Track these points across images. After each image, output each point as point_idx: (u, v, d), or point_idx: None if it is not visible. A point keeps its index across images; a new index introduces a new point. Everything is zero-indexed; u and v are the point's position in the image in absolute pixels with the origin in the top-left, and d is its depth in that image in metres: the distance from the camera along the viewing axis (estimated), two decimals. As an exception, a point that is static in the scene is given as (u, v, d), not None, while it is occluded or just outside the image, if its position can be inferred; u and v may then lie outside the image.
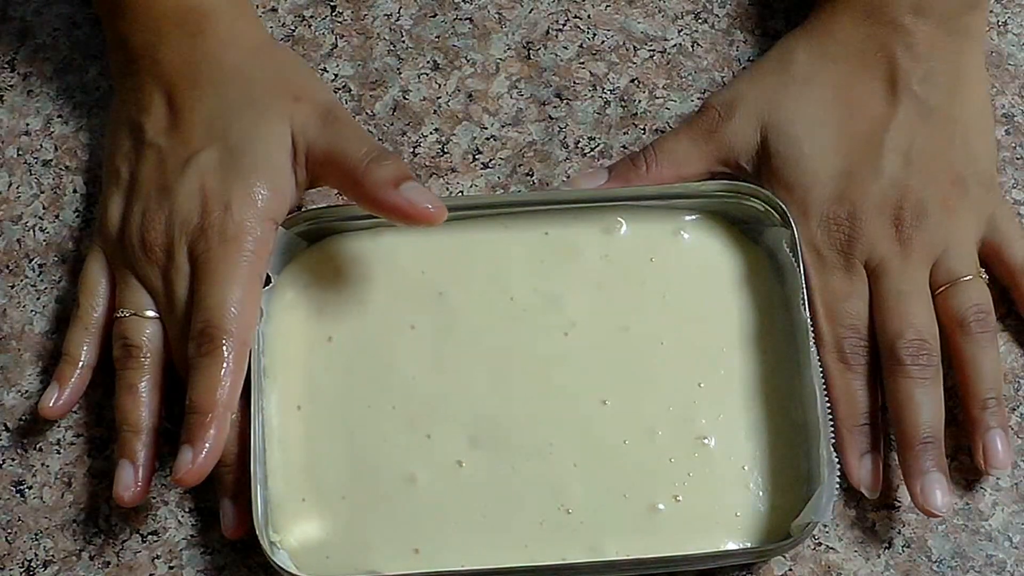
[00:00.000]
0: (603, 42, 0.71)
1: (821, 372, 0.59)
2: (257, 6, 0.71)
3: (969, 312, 0.61)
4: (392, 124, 0.69)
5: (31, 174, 0.69)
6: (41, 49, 0.72)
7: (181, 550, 0.61)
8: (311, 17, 0.72)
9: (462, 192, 0.67)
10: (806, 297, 0.60)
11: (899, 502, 0.61)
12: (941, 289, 0.62)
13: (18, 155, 0.69)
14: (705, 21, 0.71)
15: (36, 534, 0.62)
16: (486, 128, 0.69)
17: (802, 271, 0.61)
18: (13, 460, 0.63)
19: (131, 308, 0.61)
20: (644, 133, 0.69)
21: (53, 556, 0.61)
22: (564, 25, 0.71)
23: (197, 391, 0.58)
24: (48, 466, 0.63)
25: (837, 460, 0.57)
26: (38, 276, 0.67)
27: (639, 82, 0.70)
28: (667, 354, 0.62)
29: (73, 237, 0.67)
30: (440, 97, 0.70)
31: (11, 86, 0.71)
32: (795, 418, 0.60)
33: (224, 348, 0.58)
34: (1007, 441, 0.60)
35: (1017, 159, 0.68)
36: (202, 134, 0.62)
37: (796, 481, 0.59)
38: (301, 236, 0.63)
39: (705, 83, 0.70)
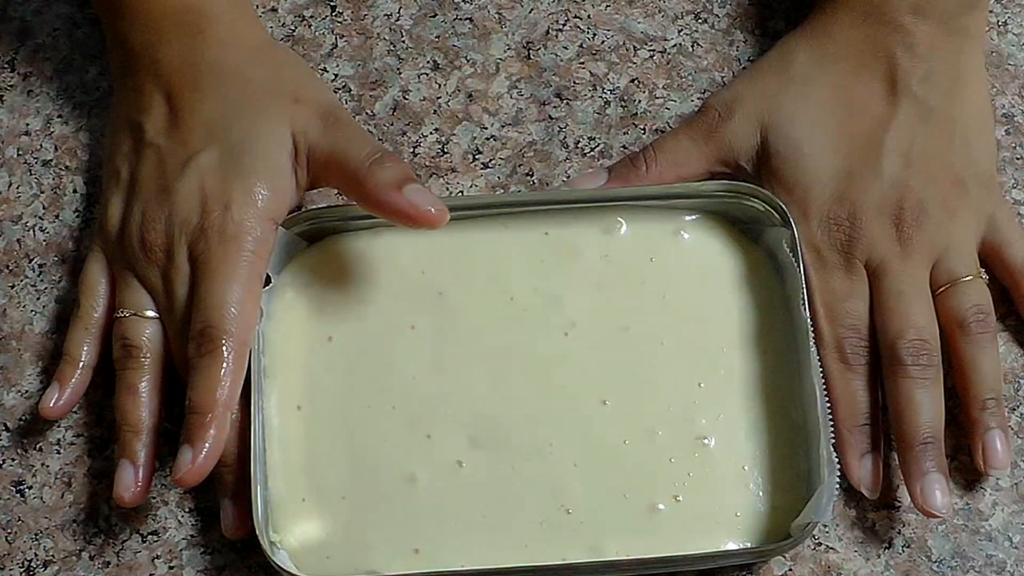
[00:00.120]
0: (603, 42, 0.71)
1: (821, 372, 0.59)
2: (257, 6, 0.71)
3: (969, 313, 0.61)
4: (392, 124, 0.69)
5: (31, 174, 0.69)
6: (41, 49, 0.72)
7: (181, 550, 0.61)
8: (311, 17, 0.72)
9: (462, 192, 0.67)
10: (806, 297, 0.60)
11: (899, 502, 0.61)
12: (941, 289, 0.62)
13: (18, 155, 0.69)
14: (705, 21, 0.71)
15: (36, 534, 0.62)
16: (486, 128, 0.69)
17: (802, 271, 0.61)
18: (13, 460, 0.63)
19: (131, 308, 0.61)
20: (644, 133, 0.69)
21: (53, 556, 0.61)
22: (564, 25, 0.71)
23: (197, 391, 0.58)
24: (48, 466, 0.63)
25: (837, 460, 0.57)
26: (38, 276, 0.67)
27: (639, 82, 0.70)
28: (667, 354, 0.62)
29: (73, 237, 0.67)
30: (440, 97, 0.70)
31: (11, 86, 0.71)
32: (795, 418, 0.60)
33: (224, 348, 0.58)
34: (1006, 442, 0.60)
35: (1017, 159, 0.68)
36: (202, 134, 0.62)
37: (796, 481, 0.59)
38: (301, 236, 0.63)
39: (705, 83, 0.70)
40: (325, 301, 0.63)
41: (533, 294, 0.63)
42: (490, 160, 0.68)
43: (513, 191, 0.68)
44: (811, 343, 0.59)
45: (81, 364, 0.62)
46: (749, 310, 0.63)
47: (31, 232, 0.67)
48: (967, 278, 0.62)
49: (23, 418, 0.64)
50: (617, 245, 0.64)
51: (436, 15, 0.72)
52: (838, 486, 0.57)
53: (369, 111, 0.69)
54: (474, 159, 0.68)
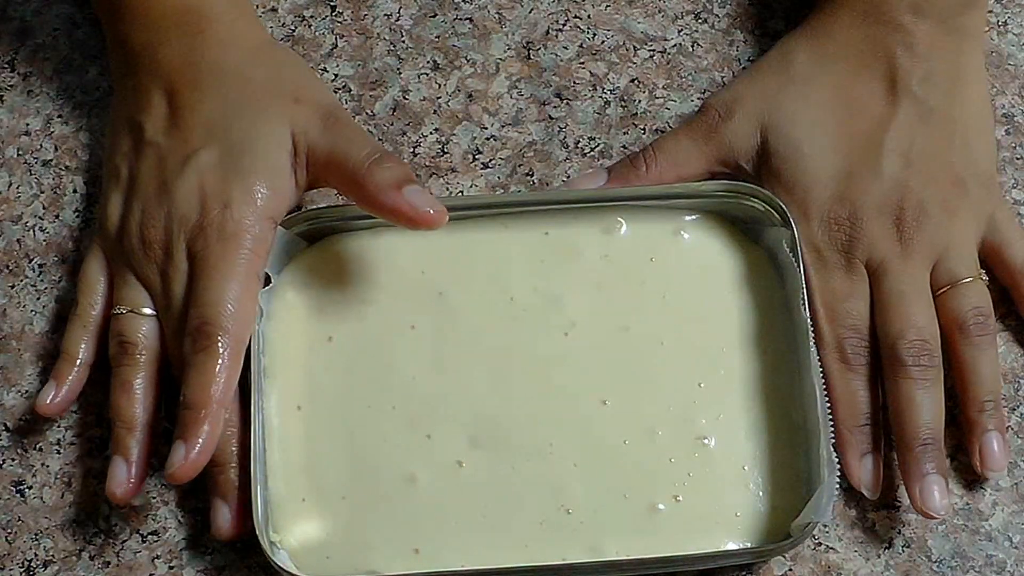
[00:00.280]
0: (603, 42, 0.71)
1: (821, 372, 0.59)
2: (257, 6, 0.71)
3: (969, 315, 0.61)
4: (392, 124, 0.69)
5: (31, 174, 0.69)
6: (41, 49, 0.72)
7: (181, 550, 0.61)
8: (311, 17, 0.72)
9: (462, 192, 0.67)
10: (806, 297, 0.60)
11: (899, 502, 0.61)
12: (941, 291, 0.62)
13: (18, 155, 0.69)
14: (705, 21, 0.71)
15: (36, 534, 0.62)
16: (486, 128, 0.69)
17: (802, 271, 0.61)
18: (13, 460, 0.63)
19: (128, 305, 0.61)
20: (644, 133, 0.69)
21: (53, 556, 0.61)
22: (564, 25, 0.71)
23: (191, 387, 0.58)
24: (48, 466, 0.63)
25: (837, 460, 0.57)
26: (38, 276, 0.67)
27: (639, 82, 0.70)
28: (667, 354, 0.62)
29: (73, 237, 0.67)
30: (440, 97, 0.70)
31: (11, 86, 0.71)
32: (795, 418, 0.60)
33: (219, 345, 0.58)
34: (1004, 443, 0.60)
35: (1017, 159, 0.68)
36: (202, 134, 0.62)
37: (796, 481, 0.59)
38: (301, 236, 0.63)
39: (705, 83, 0.70)
40: (325, 301, 0.63)
41: (533, 294, 0.63)
42: (490, 160, 0.68)
43: (513, 191, 0.68)
44: (811, 343, 0.59)
45: (78, 362, 0.62)
46: (749, 310, 0.63)
47: (31, 232, 0.67)
48: (967, 279, 0.62)
49: (23, 418, 0.64)
50: (617, 245, 0.64)
51: (436, 15, 0.72)
52: (838, 486, 0.57)
53: (369, 111, 0.69)
54: (474, 159, 0.68)
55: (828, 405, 0.59)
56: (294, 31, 0.71)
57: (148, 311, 0.61)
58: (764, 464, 0.60)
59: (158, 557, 0.61)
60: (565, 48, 0.71)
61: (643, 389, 0.61)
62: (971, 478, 0.62)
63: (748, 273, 0.63)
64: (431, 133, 0.69)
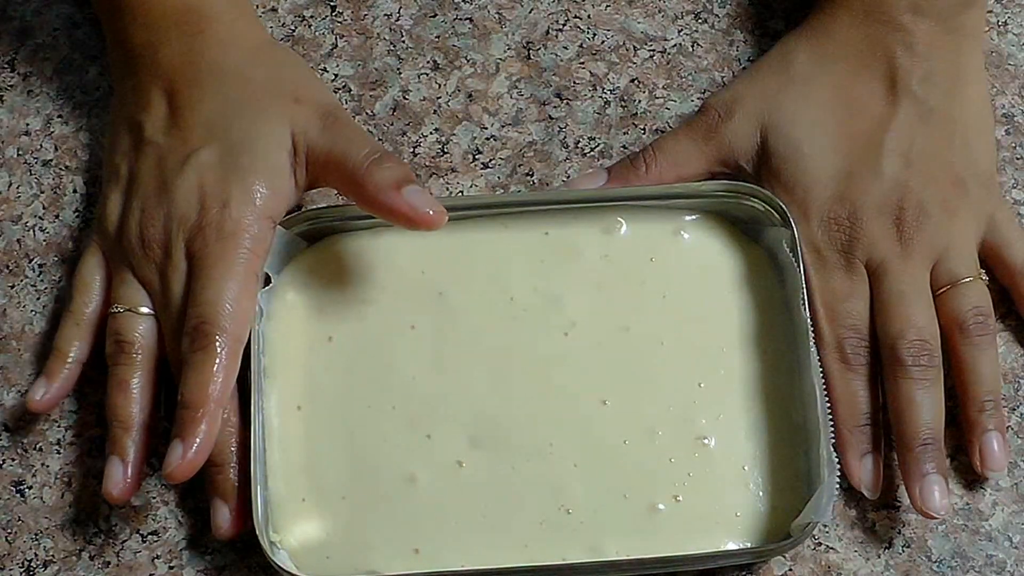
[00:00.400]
0: (603, 42, 0.71)
1: (821, 372, 0.59)
2: (257, 6, 0.71)
3: (968, 315, 0.61)
4: (392, 124, 0.69)
5: (31, 174, 0.69)
6: (41, 49, 0.72)
7: (181, 550, 0.61)
8: (311, 17, 0.72)
9: (462, 192, 0.67)
10: (806, 297, 0.60)
11: (899, 502, 0.61)
12: (941, 291, 0.62)
13: (18, 155, 0.69)
14: (705, 21, 0.71)
15: (36, 534, 0.62)
16: (486, 128, 0.69)
17: (802, 271, 0.61)
18: (13, 460, 0.63)
19: (126, 304, 0.61)
20: (644, 133, 0.69)
21: (53, 556, 0.61)
22: (564, 25, 0.71)
23: (189, 387, 0.58)
24: (48, 466, 0.63)
25: (837, 460, 0.57)
26: (38, 276, 0.67)
27: (639, 82, 0.70)
28: (667, 354, 0.62)
29: (73, 237, 0.67)
30: (440, 97, 0.70)
31: (11, 86, 0.71)
32: (795, 418, 0.60)
33: (217, 344, 0.58)
34: (1003, 443, 0.60)
35: (1017, 159, 0.68)
36: (202, 133, 0.62)
37: (796, 481, 0.59)
38: (301, 236, 0.63)
39: (705, 83, 0.70)
40: (325, 301, 0.63)
41: (533, 294, 0.63)
42: (490, 160, 0.68)
43: (513, 191, 0.68)
44: (811, 343, 0.59)
45: (70, 359, 0.62)
46: (749, 310, 0.63)
47: (31, 232, 0.67)
48: (967, 279, 0.62)
49: (23, 418, 0.64)
50: (617, 245, 0.64)
51: (436, 15, 0.72)
52: (838, 486, 0.57)
53: (369, 111, 0.69)
54: (474, 159, 0.68)
55: (828, 405, 0.59)
56: (294, 31, 0.71)
57: (146, 310, 0.61)
58: (764, 464, 0.60)
59: (158, 557, 0.61)
60: (565, 48, 0.71)
61: (643, 389, 0.61)
62: (971, 478, 0.62)
63: (748, 273, 0.63)
64: (431, 133, 0.69)
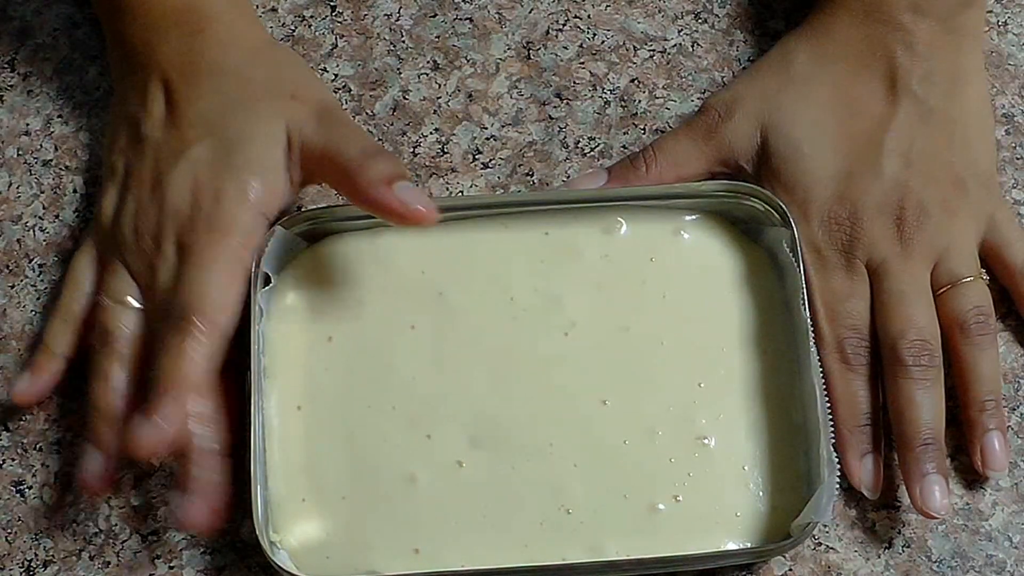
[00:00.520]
0: (603, 42, 0.71)
1: (821, 372, 0.59)
2: (257, 6, 0.71)
3: (969, 315, 0.61)
4: (392, 124, 0.69)
5: (31, 174, 0.69)
6: (41, 49, 0.72)
7: (181, 550, 0.61)
8: (311, 17, 0.72)
9: (462, 192, 0.67)
10: (806, 297, 0.60)
11: (899, 502, 0.61)
12: (942, 290, 0.62)
13: (18, 155, 0.69)
14: (705, 21, 0.71)
15: (36, 534, 0.62)
16: (486, 128, 0.69)
17: (802, 271, 0.61)
18: (13, 460, 0.63)
19: (114, 297, 0.61)
20: (644, 133, 0.69)
21: (53, 556, 0.61)
22: (564, 25, 0.71)
23: (160, 366, 0.57)
24: (48, 466, 0.63)
25: (837, 460, 0.57)
26: (38, 276, 0.67)
27: (639, 82, 0.70)
28: (667, 354, 0.62)
29: (73, 237, 0.67)
30: (440, 97, 0.70)
31: (11, 86, 0.71)
32: (795, 418, 0.60)
33: (195, 328, 0.57)
34: (1004, 443, 0.60)
35: (1017, 159, 0.68)
36: (198, 129, 0.62)
37: (796, 481, 0.59)
38: (301, 236, 0.63)
39: (705, 83, 0.70)
40: (325, 301, 0.63)
41: (533, 294, 0.63)
42: (490, 160, 0.68)
43: (513, 191, 0.68)
44: (811, 343, 0.59)
45: (55, 354, 0.62)
46: (749, 310, 0.63)
47: (31, 232, 0.67)
48: (968, 279, 0.62)
49: (23, 418, 0.64)
50: (617, 245, 0.64)
51: (436, 15, 0.72)
52: (838, 486, 0.57)
53: (369, 111, 0.69)
54: (474, 159, 0.68)
55: (828, 405, 0.59)
56: (294, 31, 0.71)
57: (133, 303, 0.61)
58: (764, 464, 0.60)
59: (158, 557, 0.61)
60: (565, 48, 0.71)
61: (643, 389, 0.61)
62: (971, 478, 0.62)
63: (748, 273, 0.63)
64: (431, 133, 0.69)
